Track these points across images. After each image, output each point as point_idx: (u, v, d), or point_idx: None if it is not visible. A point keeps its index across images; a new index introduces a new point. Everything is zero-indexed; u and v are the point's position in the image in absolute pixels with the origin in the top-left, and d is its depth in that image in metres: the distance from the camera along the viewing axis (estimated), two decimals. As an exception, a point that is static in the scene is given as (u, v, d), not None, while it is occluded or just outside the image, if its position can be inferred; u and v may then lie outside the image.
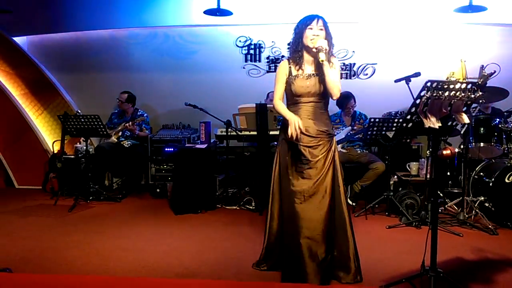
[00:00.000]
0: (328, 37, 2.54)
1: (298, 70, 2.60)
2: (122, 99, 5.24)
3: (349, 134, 4.68)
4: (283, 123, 2.67)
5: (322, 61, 2.42)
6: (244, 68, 5.59)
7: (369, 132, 4.14)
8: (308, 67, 2.61)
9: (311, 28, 2.54)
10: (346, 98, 4.76)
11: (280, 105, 2.63)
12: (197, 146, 4.69)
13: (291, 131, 2.44)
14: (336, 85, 2.52)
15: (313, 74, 2.59)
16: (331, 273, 2.54)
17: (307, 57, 2.60)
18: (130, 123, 4.99)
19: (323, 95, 2.60)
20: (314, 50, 2.49)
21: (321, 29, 2.54)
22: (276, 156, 2.72)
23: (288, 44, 2.70)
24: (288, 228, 2.56)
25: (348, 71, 5.42)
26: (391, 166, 4.25)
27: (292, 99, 2.63)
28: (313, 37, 2.52)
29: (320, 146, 2.55)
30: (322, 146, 2.55)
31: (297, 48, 2.59)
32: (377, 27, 5.24)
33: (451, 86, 2.11)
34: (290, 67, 2.62)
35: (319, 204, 2.49)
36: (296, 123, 2.44)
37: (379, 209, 4.25)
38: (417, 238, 3.31)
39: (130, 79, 5.67)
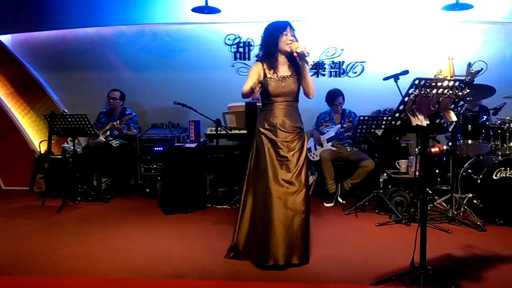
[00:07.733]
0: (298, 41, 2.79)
1: (273, 73, 2.80)
2: (116, 96, 5.18)
3: (338, 132, 4.70)
4: (260, 117, 2.86)
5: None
6: (233, 66, 5.55)
7: (358, 130, 4.15)
8: (283, 69, 2.82)
9: (286, 34, 2.76)
10: (334, 95, 4.78)
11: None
12: (187, 145, 4.65)
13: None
14: (313, 85, 2.81)
15: (288, 76, 2.80)
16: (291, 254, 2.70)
17: (281, 60, 2.82)
18: (118, 121, 4.93)
19: (296, 94, 2.85)
20: (295, 54, 2.69)
21: (293, 34, 2.79)
22: (252, 150, 2.88)
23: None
24: (261, 218, 2.74)
25: (337, 69, 5.41)
26: (381, 163, 4.28)
27: (268, 99, 2.84)
28: (289, 42, 2.75)
29: (296, 140, 2.80)
30: (298, 141, 2.81)
31: (272, 52, 2.80)
32: (366, 25, 5.24)
33: (439, 84, 2.13)
34: (264, 69, 2.82)
35: (295, 195, 2.70)
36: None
37: (369, 206, 4.27)
38: (407, 235, 3.33)
39: (118, 78, 5.59)
